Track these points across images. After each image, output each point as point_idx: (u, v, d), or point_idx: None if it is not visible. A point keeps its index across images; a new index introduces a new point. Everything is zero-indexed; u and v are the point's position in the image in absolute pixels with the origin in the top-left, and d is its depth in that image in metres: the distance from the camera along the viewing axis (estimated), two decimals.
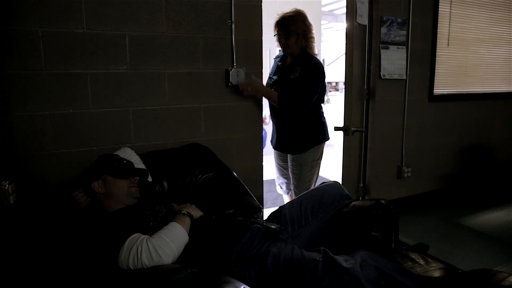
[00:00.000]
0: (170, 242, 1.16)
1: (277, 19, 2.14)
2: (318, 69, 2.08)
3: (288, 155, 2.29)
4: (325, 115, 2.29)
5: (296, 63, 2.15)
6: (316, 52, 2.19)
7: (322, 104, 2.27)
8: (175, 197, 1.70)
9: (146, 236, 1.18)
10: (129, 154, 1.66)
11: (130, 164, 1.50)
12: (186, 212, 1.34)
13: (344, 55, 2.58)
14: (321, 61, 2.18)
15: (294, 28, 2.08)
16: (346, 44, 2.63)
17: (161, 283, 1.03)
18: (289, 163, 2.29)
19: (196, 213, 1.40)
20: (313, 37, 2.20)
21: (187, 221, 1.32)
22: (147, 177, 1.56)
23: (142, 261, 1.12)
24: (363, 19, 2.24)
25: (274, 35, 2.19)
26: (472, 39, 3.22)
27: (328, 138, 2.28)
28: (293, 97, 2.06)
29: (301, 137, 2.20)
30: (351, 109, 2.39)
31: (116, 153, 1.63)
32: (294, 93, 2.07)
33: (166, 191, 1.74)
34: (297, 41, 2.12)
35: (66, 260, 1.31)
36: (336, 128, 2.43)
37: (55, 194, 1.59)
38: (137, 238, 1.16)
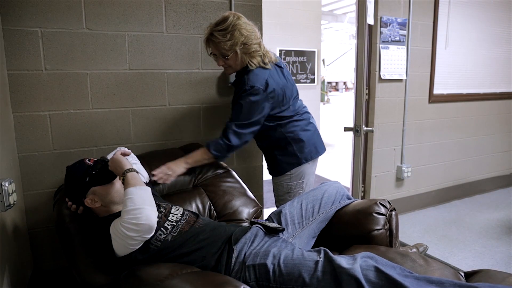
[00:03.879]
0: (137, 208, 1.15)
1: (206, 35, 1.69)
2: (247, 90, 1.66)
3: None
4: (307, 129, 1.85)
5: (236, 83, 1.79)
6: (267, 60, 1.73)
7: (298, 120, 1.83)
8: (175, 197, 1.70)
9: (118, 219, 1.19)
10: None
11: (104, 159, 1.38)
12: (129, 170, 1.26)
13: (344, 55, 2.55)
14: (265, 75, 1.70)
15: (230, 44, 1.63)
16: (357, 44, 2.61)
17: (161, 283, 1.03)
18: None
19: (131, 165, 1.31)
20: (257, 49, 1.69)
21: (134, 176, 1.25)
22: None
23: (131, 236, 1.14)
24: (370, 19, 2.22)
25: (209, 55, 1.78)
26: (472, 39, 3.22)
27: (311, 158, 1.86)
28: (220, 137, 1.73)
29: (273, 161, 1.90)
30: (362, 110, 2.34)
31: (112, 153, 1.55)
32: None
33: (165, 190, 1.74)
34: (237, 58, 1.68)
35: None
36: (346, 129, 2.38)
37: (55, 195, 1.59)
38: (112, 225, 1.19)
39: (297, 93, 1.90)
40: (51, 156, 1.79)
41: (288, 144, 1.83)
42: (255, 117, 1.70)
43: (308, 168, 1.90)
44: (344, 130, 2.35)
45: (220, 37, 1.62)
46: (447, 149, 3.28)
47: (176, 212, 1.37)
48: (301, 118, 1.86)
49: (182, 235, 1.28)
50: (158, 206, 1.39)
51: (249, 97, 1.67)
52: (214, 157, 1.73)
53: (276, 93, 1.72)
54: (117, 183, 1.35)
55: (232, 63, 1.71)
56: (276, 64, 1.80)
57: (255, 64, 1.70)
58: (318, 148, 1.91)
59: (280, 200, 1.95)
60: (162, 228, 1.27)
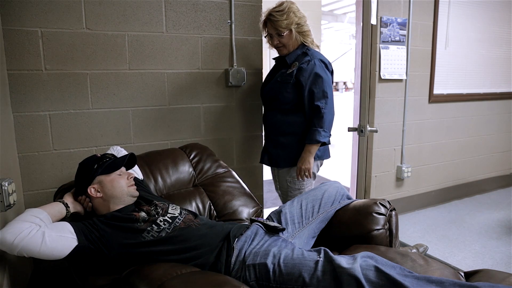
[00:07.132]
0: (12, 224, 1.12)
1: (264, 18, 1.89)
2: (315, 63, 1.81)
3: (275, 169, 2.02)
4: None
5: (293, 58, 1.89)
6: (318, 46, 1.95)
7: None
8: (175, 197, 1.70)
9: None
10: (118, 151, 1.66)
11: (113, 156, 1.44)
12: (61, 201, 1.30)
13: (344, 55, 2.55)
14: (325, 57, 1.92)
15: (286, 23, 1.80)
16: (362, 44, 2.59)
17: (161, 283, 1.03)
18: (276, 178, 2.05)
19: (76, 207, 1.34)
20: (309, 30, 1.90)
21: (54, 207, 1.26)
22: (135, 161, 1.53)
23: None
24: (374, 19, 2.23)
25: (265, 37, 1.97)
26: (472, 39, 3.22)
27: (324, 157, 1.99)
28: (315, 122, 1.82)
29: (290, 150, 1.91)
30: (366, 110, 2.33)
31: (106, 152, 1.61)
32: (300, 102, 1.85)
33: (165, 190, 1.74)
34: (292, 37, 1.85)
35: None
36: (350, 129, 2.37)
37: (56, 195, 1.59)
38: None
39: None
40: (51, 156, 1.79)
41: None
42: (330, 88, 1.84)
43: (318, 167, 1.98)
44: (348, 130, 2.35)
45: (278, 17, 1.81)
46: (447, 149, 3.28)
47: (173, 212, 1.37)
48: None
49: (177, 232, 1.28)
50: (155, 205, 1.39)
51: (320, 69, 1.81)
52: (322, 143, 1.85)
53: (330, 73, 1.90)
54: (122, 180, 1.37)
55: (286, 41, 1.86)
56: None
57: (310, 43, 1.89)
58: (328, 152, 2.03)
59: (290, 199, 1.90)
60: (153, 225, 1.28)
